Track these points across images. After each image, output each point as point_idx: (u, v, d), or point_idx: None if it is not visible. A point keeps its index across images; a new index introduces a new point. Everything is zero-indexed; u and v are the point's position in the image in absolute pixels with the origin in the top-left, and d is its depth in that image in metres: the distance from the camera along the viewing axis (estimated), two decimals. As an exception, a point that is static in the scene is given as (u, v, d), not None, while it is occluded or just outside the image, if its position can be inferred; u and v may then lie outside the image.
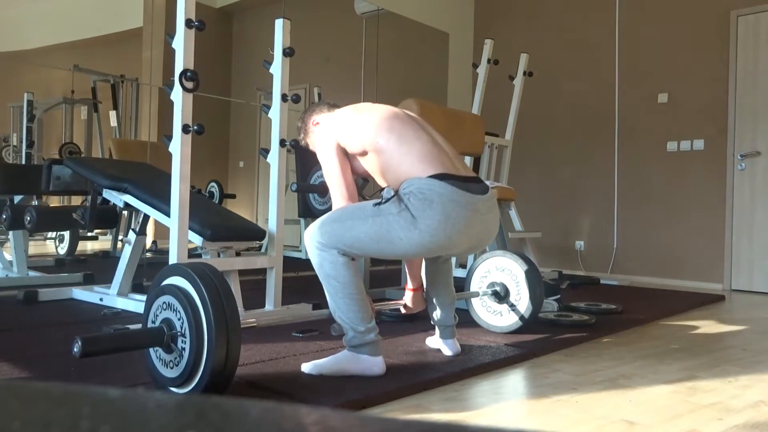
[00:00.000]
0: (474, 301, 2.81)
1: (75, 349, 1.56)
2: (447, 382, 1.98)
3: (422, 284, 2.36)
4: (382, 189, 2.06)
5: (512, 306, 2.68)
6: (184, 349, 1.67)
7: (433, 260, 2.31)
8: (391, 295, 3.54)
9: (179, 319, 1.69)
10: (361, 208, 1.97)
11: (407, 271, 2.33)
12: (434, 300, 2.33)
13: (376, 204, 1.94)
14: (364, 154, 2.05)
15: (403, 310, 2.37)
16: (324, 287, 1.99)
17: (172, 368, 1.71)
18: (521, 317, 2.65)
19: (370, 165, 2.06)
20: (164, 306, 1.75)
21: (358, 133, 2.04)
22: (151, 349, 1.77)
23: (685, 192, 5.06)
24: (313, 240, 1.98)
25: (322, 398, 1.74)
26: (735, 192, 4.80)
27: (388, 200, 1.92)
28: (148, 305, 1.81)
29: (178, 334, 1.69)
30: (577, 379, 2.07)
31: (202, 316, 1.65)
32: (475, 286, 2.81)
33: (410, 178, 1.93)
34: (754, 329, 3.14)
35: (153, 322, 1.78)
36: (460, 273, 3.74)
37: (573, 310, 3.28)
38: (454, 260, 2.37)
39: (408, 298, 2.35)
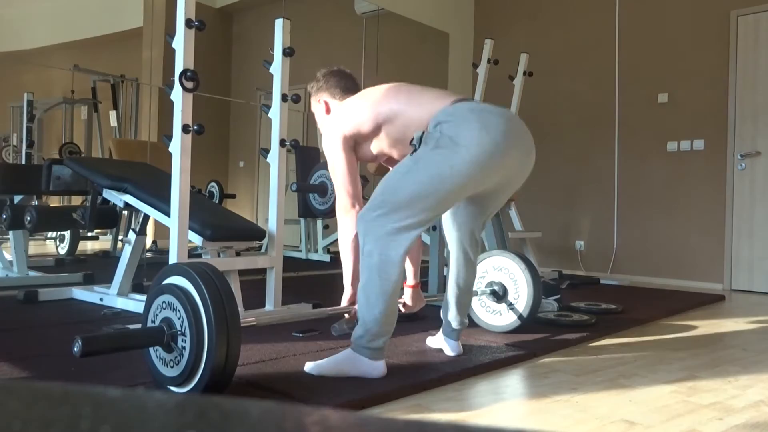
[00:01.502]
0: (473, 300, 2.81)
1: (75, 349, 1.56)
2: (447, 382, 1.98)
3: (420, 281, 2.35)
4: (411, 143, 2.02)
5: (511, 305, 2.68)
6: (184, 348, 1.67)
7: (465, 255, 2.25)
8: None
9: (179, 318, 1.70)
10: (398, 169, 1.93)
11: (407, 265, 2.32)
12: (452, 300, 2.30)
13: (411, 153, 1.92)
14: (378, 130, 2.04)
15: (402, 309, 2.35)
16: (362, 276, 1.93)
17: (172, 367, 1.71)
18: (520, 316, 2.65)
19: (389, 137, 2.04)
20: (164, 305, 1.75)
21: (369, 110, 2.03)
22: (151, 349, 1.77)
23: (685, 192, 5.05)
24: (369, 222, 1.89)
25: (322, 398, 1.74)
26: (735, 192, 4.80)
27: (420, 141, 1.91)
28: (148, 305, 1.81)
29: (178, 333, 1.69)
30: (577, 379, 2.07)
31: (202, 315, 1.65)
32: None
33: (435, 115, 1.94)
34: (754, 329, 3.14)
35: (153, 321, 1.78)
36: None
37: (573, 310, 3.28)
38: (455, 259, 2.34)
39: (407, 295, 2.32)
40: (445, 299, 2.33)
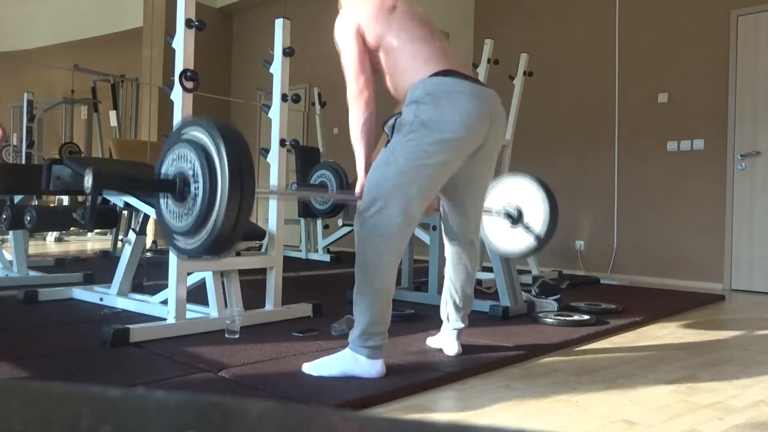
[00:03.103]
0: (488, 227, 2.72)
1: (86, 182, 1.53)
2: (447, 382, 1.98)
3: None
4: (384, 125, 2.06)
5: (527, 227, 2.62)
6: (196, 195, 1.61)
7: (458, 245, 2.26)
8: (396, 296, 3.52)
9: (191, 167, 1.64)
10: (377, 163, 1.97)
11: None
12: (451, 302, 2.30)
13: (386, 144, 1.96)
14: (377, 49, 2.05)
15: None
16: (356, 275, 1.94)
17: (184, 220, 1.65)
18: (537, 237, 2.58)
19: (382, 62, 2.07)
20: (178, 157, 1.69)
21: (376, 24, 2.04)
22: (162, 203, 1.72)
23: (685, 192, 5.05)
24: (367, 219, 1.90)
25: (322, 398, 1.74)
26: (735, 192, 4.80)
27: (392, 129, 1.95)
28: (161, 160, 1.75)
29: (191, 179, 1.63)
30: (577, 379, 2.07)
31: (215, 160, 1.59)
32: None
33: (415, 83, 1.96)
34: (754, 329, 3.14)
35: (166, 176, 1.74)
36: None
37: (573, 310, 3.28)
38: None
39: None
40: (444, 300, 2.33)
